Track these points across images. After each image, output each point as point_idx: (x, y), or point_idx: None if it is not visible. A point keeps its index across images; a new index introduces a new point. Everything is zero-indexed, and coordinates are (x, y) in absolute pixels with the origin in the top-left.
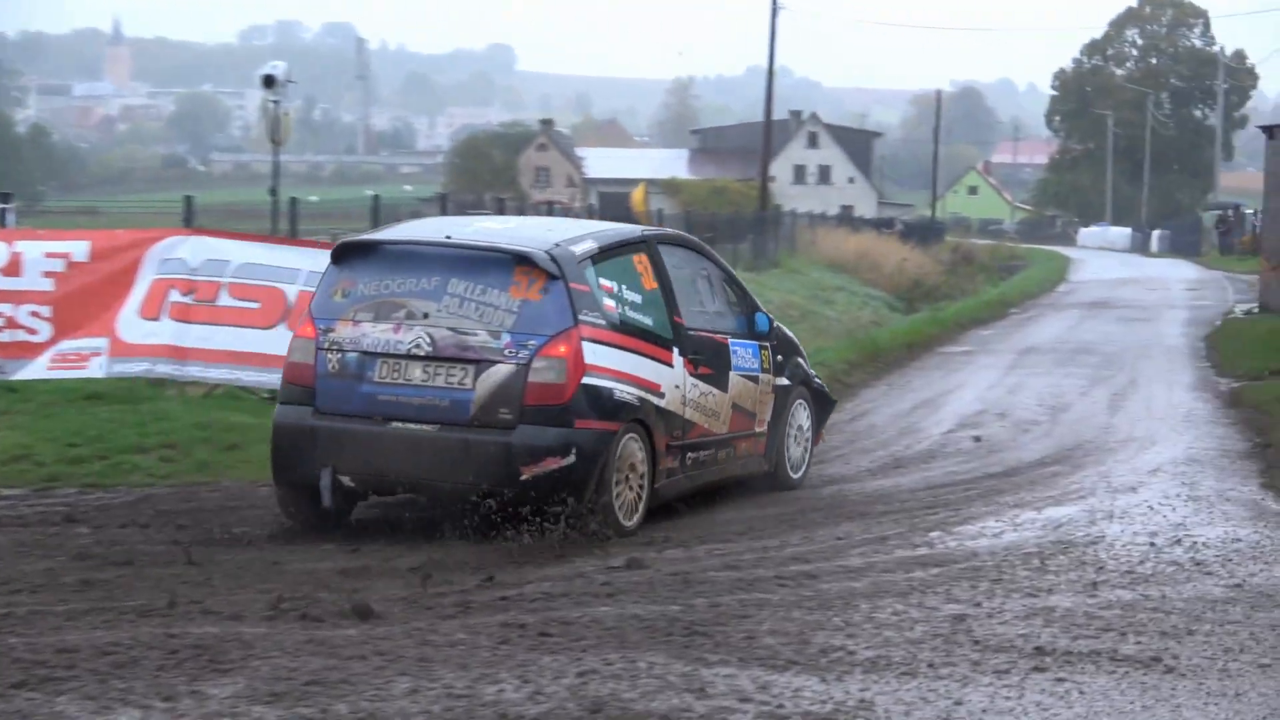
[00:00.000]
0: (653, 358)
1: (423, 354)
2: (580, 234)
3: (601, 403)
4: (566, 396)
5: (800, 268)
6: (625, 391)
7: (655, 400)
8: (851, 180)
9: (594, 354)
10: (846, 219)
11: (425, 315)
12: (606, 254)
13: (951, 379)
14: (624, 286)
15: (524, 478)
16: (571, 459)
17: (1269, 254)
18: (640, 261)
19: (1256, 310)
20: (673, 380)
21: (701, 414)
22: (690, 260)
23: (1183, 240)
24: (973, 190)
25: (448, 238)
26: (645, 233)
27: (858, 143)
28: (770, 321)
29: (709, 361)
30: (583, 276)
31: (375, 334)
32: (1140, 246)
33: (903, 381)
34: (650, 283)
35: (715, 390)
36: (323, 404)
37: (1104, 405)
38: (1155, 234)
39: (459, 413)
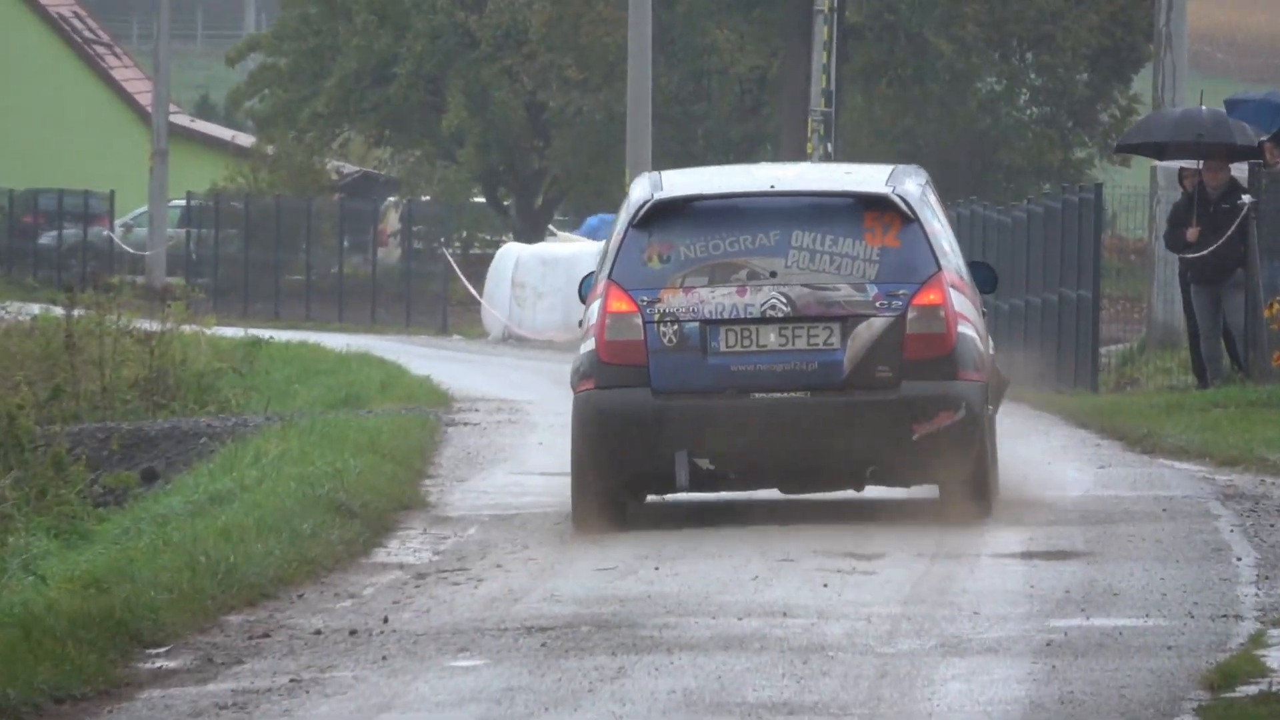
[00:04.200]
0: (978, 309)
1: (779, 316)
2: (893, 172)
3: (973, 354)
4: (950, 346)
5: None
6: (981, 344)
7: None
8: None
9: (957, 301)
10: None
11: (772, 274)
12: (927, 192)
13: None
14: (947, 228)
15: (916, 437)
16: (962, 413)
17: None
18: (938, 201)
19: None
20: (987, 337)
21: (994, 385)
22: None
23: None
24: None
25: (772, 187)
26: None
27: None
28: (996, 278)
29: (985, 320)
30: (928, 217)
31: (716, 299)
32: None
33: None
34: (949, 225)
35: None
36: (661, 383)
37: None
38: None
39: (831, 375)
